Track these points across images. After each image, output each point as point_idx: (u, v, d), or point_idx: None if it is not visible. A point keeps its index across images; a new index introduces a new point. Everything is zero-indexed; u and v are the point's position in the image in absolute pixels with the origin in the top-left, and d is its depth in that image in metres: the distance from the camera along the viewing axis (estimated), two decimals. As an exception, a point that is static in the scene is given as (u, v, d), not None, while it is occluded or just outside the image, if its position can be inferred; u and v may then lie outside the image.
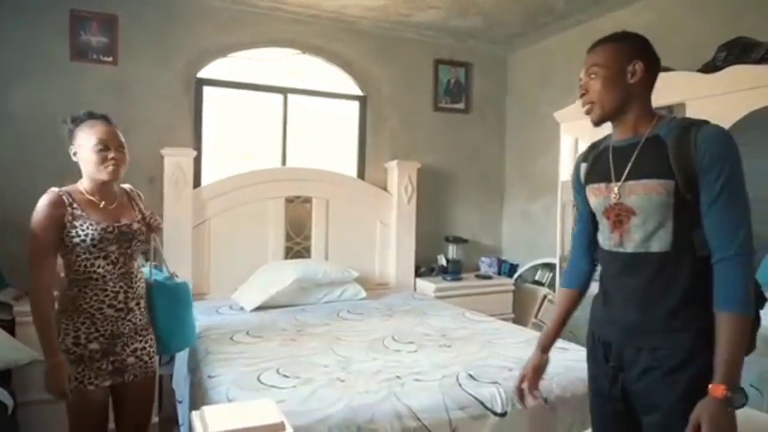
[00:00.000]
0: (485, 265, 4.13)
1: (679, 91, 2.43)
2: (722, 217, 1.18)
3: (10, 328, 2.57)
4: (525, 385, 1.52)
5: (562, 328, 1.56)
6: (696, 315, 1.22)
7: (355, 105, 3.89)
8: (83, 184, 1.82)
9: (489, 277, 3.95)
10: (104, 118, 1.84)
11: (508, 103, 4.34)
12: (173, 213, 3.10)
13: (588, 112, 1.36)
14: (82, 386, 1.73)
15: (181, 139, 3.27)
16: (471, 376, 1.89)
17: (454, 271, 3.87)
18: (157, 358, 1.96)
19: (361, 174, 3.88)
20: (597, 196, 1.38)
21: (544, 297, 3.82)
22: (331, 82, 3.82)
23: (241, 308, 2.97)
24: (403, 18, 3.64)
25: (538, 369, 1.54)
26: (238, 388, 1.80)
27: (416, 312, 3.00)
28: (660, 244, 1.26)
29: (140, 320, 1.84)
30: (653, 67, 1.33)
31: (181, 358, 2.60)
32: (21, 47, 2.93)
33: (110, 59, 3.11)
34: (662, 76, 2.58)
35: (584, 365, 2.04)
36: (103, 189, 1.82)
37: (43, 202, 1.71)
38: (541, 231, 3.96)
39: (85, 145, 1.77)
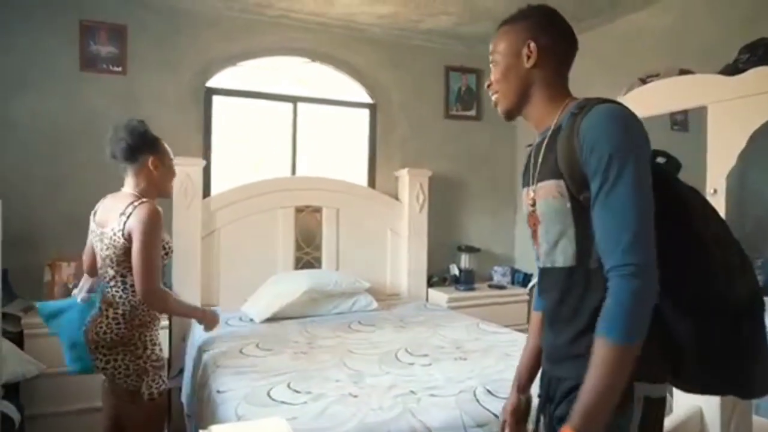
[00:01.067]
0: (498, 274, 4.05)
1: (701, 94, 2.36)
2: (602, 220, 0.95)
3: (18, 340, 2.54)
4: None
5: (539, 363, 1.26)
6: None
7: (365, 113, 3.85)
8: (145, 195, 1.83)
9: (502, 287, 3.87)
10: None
11: (520, 110, 4.28)
12: (182, 223, 3.06)
13: (495, 106, 1.22)
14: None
15: (190, 149, 3.24)
16: (489, 391, 1.82)
17: (466, 281, 3.80)
18: None
19: (372, 182, 3.83)
20: (524, 203, 1.19)
21: (560, 307, 3.74)
22: (340, 90, 3.79)
23: (251, 320, 2.92)
24: (414, 25, 3.60)
25: (517, 412, 1.29)
26: (248, 404, 1.74)
27: (429, 323, 2.93)
28: (564, 257, 1.06)
29: None
30: (555, 44, 1.12)
31: (191, 371, 2.55)
32: (28, 57, 2.93)
33: (119, 69, 3.10)
34: (682, 79, 2.54)
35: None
36: None
37: (153, 211, 1.74)
38: (555, 239, 3.88)
39: (167, 161, 1.92)
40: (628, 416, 0.98)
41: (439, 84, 4.00)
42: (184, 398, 2.62)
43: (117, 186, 3.13)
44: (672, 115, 2.83)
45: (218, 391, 1.90)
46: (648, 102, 2.68)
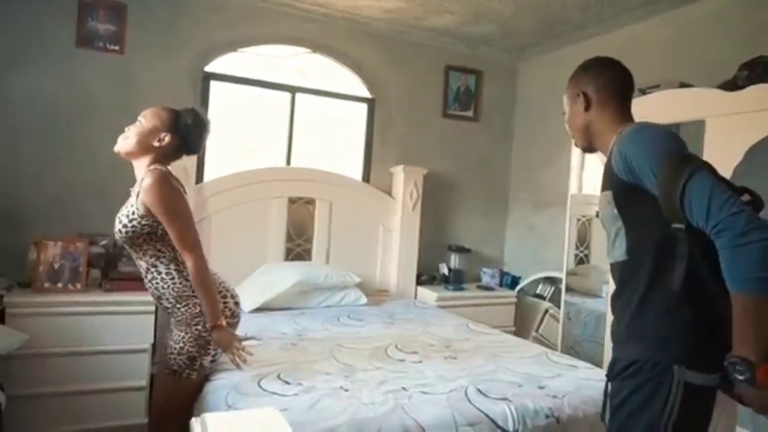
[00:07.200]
0: (487, 276, 4.06)
1: (699, 107, 2.39)
2: (687, 201, 1.10)
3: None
4: None
5: None
6: (649, 323, 1.22)
7: (363, 107, 3.83)
8: None
9: (491, 289, 3.89)
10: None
11: (517, 113, 4.30)
12: (174, 208, 3.02)
13: (575, 145, 1.51)
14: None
15: (185, 133, 3.19)
16: (480, 390, 1.83)
17: (455, 280, 3.81)
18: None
19: (366, 177, 3.82)
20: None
21: (546, 311, 3.77)
22: (339, 83, 3.76)
23: (239, 309, 2.88)
24: (417, 22, 3.59)
25: None
26: (238, 393, 1.72)
27: (418, 321, 2.93)
28: (619, 252, 1.30)
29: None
30: (604, 86, 1.39)
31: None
32: (24, 31, 2.85)
33: (117, 48, 3.04)
34: (682, 92, 2.57)
35: (594, 383, 1.99)
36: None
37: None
38: (544, 244, 3.91)
39: None
40: (663, 399, 1.16)
41: (438, 83, 4.00)
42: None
43: (107, 168, 3.07)
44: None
45: (207, 380, 1.88)
46: (647, 113, 2.71)
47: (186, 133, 1.86)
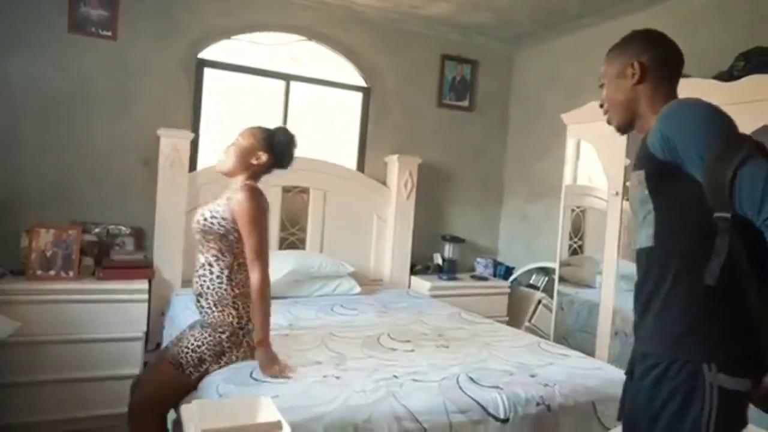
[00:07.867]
0: (481, 266, 4.07)
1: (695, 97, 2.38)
2: (737, 189, 1.00)
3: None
4: None
5: None
6: (676, 318, 1.12)
7: (359, 96, 3.81)
8: None
9: (485, 279, 3.90)
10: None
11: (512, 103, 4.28)
12: (166, 196, 2.99)
13: (609, 123, 1.34)
14: None
15: (178, 121, 3.16)
16: (471, 378, 1.83)
17: (449, 270, 3.81)
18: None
19: (361, 167, 3.80)
20: None
21: (539, 301, 3.78)
22: (334, 71, 3.74)
23: (233, 298, 2.88)
24: (413, 10, 3.56)
25: None
26: (229, 383, 1.72)
27: (412, 310, 2.94)
28: (645, 238, 1.20)
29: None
30: (665, 60, 1.26)
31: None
32: (17, 16, 2.82)
33: (109, 34, 3.00)
34: (678, 82, 2.55)
35: (586, 372, 2.01)
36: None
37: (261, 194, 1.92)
38: (538, 234, 3.92)
39: None
40: (699, 406, 1.07)
41: (433, 72, 3.97)
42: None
43: (102, 155, 3.06)
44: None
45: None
46: (642, 103, 2.71)
47: (280, 150, 2.02)
